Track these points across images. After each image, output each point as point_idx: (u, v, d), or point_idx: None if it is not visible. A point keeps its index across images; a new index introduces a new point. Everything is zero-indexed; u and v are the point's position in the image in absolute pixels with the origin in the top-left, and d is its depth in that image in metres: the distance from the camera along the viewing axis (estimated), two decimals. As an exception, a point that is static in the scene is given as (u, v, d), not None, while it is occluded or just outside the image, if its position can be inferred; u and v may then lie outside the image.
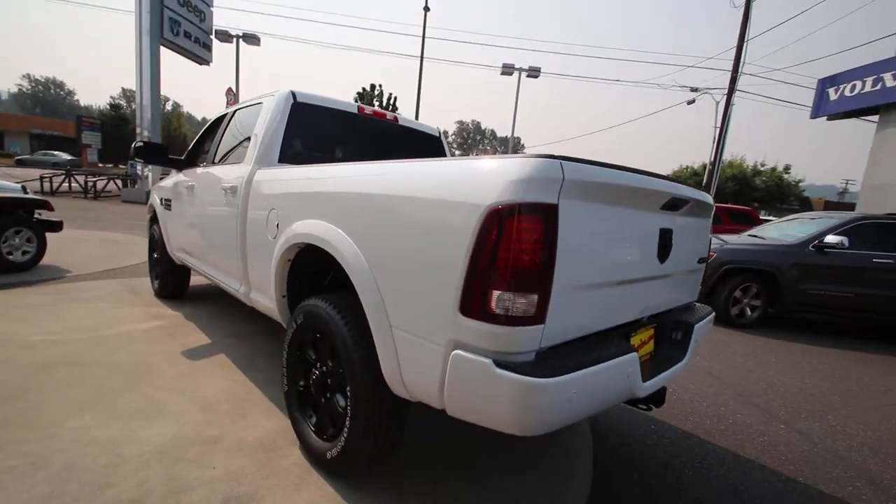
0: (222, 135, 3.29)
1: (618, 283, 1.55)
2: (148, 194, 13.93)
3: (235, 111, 3.28)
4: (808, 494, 2.18)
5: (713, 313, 2.29)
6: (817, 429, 2.93)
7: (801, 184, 39.71)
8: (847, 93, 14.64)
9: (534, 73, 18.66)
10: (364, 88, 29.46)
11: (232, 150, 3.08)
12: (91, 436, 2.04)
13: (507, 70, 18.63)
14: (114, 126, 37.07)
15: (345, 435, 1.74)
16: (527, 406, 1.20)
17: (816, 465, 2.46)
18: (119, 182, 16.04)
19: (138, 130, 13.99)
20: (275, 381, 2.77)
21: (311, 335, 2.00)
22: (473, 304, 1.24)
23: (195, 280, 4.74)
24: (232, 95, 18.12)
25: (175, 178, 3.93)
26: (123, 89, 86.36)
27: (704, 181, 18.97)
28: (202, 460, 1.95)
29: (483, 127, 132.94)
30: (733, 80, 17.43)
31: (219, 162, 3.19)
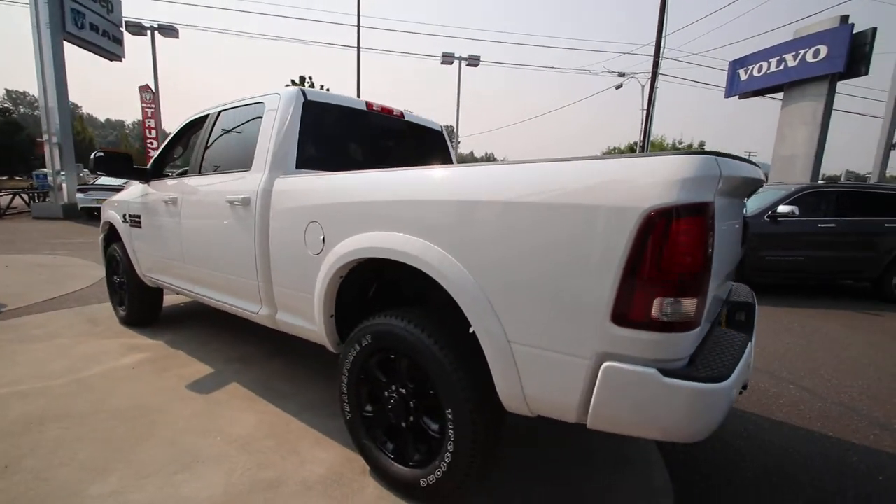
0: (207, 141, 2.92)
1: (725, 275, 1.55)
2: (66, 209, 12.36)
3: (220, 113, 2.92)
4: (844, 448, 2.37)
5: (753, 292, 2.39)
6: (819, 384, 3.21)
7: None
8: (755, 73, 16.11)
9: (473, 61, 18.72)
10: (293, 81, 28.06)
11: (226, 157, 2.75)
12: (127, 501, 1.75)
13: (448, 59, 18.53)
14: (2, 133, 32.39)
15: (447, 459, 1.61)
16: (702, 411, 1.17)
17: (835, 419, 2.69)
18: (25, 196, 14.06)
19: (45, 137, 12.31)
20: (312, 407, 2.54)
21: (380, 356, 1.84)
22: (631, 312, 1.17)
23: (166, 300, 4.26)
24: (150, 94, 16.44)
25: (139, 190, 3.46)
26: (8, 91, 75.96)
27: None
28: (273, 510, 1.73)
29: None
30: (655, 65, 18.58)
31: (209, 171, 2.83)
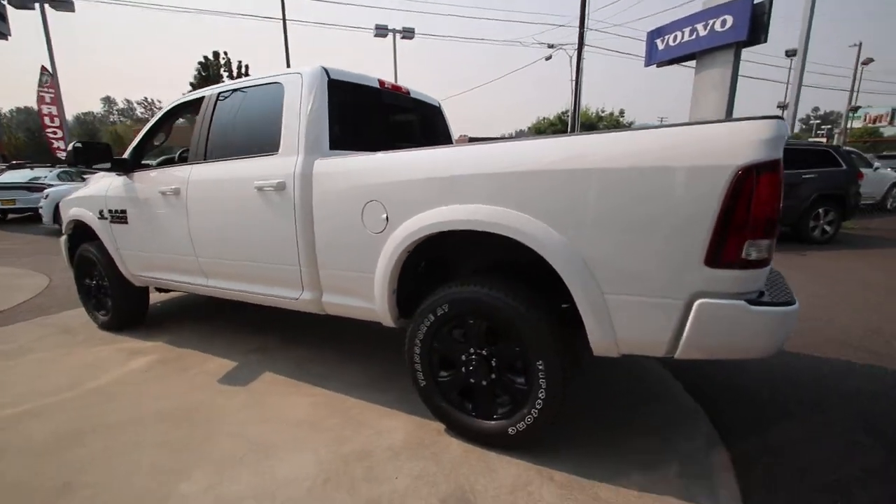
0: (210, 125, 2.75)
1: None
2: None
3: (219, 96, 2.76)
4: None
5: None
6: (840, 323, 3.66)
7: (632, 125, 46.66)
8: (671, 42, 17.25)
9: (408, 34, 18.31)
10: (206, 57, 25.71)
11: (241, 142, 2.62)
12: (228, 493, 1.75)
13: (381, 31, 17.97)
14: None
15: (538, 405, 1.79)
16: (779, 330, 1.43)
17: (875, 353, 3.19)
18: None
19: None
20: (357, 386, 2.59)
21: (457, 323, 1.95)
22: (724, 255, 1.40)
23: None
24: (47, 76, 14.31)
25: (119, 183, 3.18)
26: None
27: (570, 129, 21.07)
28: (376, 476, 1.82)
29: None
30: (581, 37, 19.36)
31: (219, 158, 2.68)
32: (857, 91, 31.09)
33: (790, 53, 28.76)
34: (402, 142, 2.98)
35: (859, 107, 34.50)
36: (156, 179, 2.96)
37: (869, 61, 30.10)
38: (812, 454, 1.97)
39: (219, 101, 2.75)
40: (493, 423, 1.94)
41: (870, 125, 37.71)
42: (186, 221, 2.76)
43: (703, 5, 16.88)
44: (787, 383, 2.61)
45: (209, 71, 25.57)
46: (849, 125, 32.61)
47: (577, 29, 20.82)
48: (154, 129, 3.16)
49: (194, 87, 25.10)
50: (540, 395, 1.78)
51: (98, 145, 2.98)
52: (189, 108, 3.03)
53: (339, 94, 2.45)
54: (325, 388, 2.57)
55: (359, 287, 2.20)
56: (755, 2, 14.56)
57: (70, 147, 2.86)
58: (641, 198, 1.48)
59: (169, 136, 3.44)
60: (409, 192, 1.93)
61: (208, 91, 2.83)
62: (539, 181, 1.63)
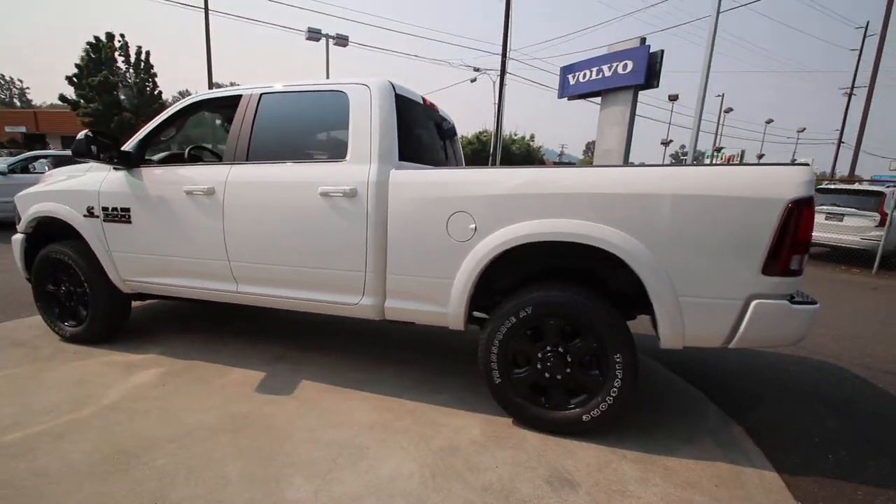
0: (252, 125, 2.66)
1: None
2: None
3: (263, 95, 2.69)
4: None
5: None
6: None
7: (540, 149, 50.57)
8: (581, 79, 19.32)
9: (342, 41, 18.10)
10: (97, 38, 22.69)
11: (293, 146, 2.59)
12: (341, 494, 1.77)
13: (314, 35, 17.53)
14: None
15: (613, 393, 2.09)
16: (808, 323, 1.90)
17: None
18: None
19: None
20: (406, 388, 2.68)
21: (536, 324, 2.18)
22: (775, 266, 1.84)
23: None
24: None
25: (119, 178, 2.89)
26: None
27: (492, 150, 22.31)
28: (476, 466, 1.97)
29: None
30: (503, 65, 20.85)
31: (263, 159, 2.61)
32: (721, 134, 37.34)
33: (672, 98, 33.67)
34: (435, 155, 3.15)
35: (722, 147, 41.43)
36: (175, 177, 2.77)
37: (729, 110, 36.38)
38: (795, 421, 2.53)
39: (261, 102, 2.68)
40: (567, 412, 2.20)
41: (725, 163, 45.58)
42: (221, 223, 2.63)
43: (608, 49, 19.14)
44: (759, 371, 3.24)
45: (98, 53, 22.55)
46: (713, 162, 39.03)
47: (500, 57, 22.31)
48: (165, 124, 2.94)
49: (81, 69, 21.98)
50: (615, 385, 2.09)
51: (108, 135, 2.70)
52: (214, 106, 2.88)
53: (400, 108, 2.57)
54: (374, 393, 2.62)
55: (433, 292, 2.33)
56: (650, 51, 16.89)
57: (81, 136, 2.56)
58: (716, 220, 1.88)
59: (179, 133, 3.18)
60: (503, 206, 2.13)
61: (246, 90, 2.74)
62: (635, 203, 1.96)
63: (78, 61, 22.23)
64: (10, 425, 2.16)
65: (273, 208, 2.53)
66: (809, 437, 2.38)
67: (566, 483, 1.88)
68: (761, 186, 1.84)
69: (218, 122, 3.55)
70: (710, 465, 2.06)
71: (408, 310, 2.43)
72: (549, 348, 2.19)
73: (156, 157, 3.12)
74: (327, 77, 19.35)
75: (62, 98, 22.58)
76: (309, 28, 17.25)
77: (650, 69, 17.25)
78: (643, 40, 17.20)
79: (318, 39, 17.62)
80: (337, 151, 2.47)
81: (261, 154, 2.65)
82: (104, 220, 2.93)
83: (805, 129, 40.67)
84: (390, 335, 3.59)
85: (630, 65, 17.75)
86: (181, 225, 2.74)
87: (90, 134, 2.57)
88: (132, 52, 23.56)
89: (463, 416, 2.41)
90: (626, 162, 18.27)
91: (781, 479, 1.99)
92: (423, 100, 2.96)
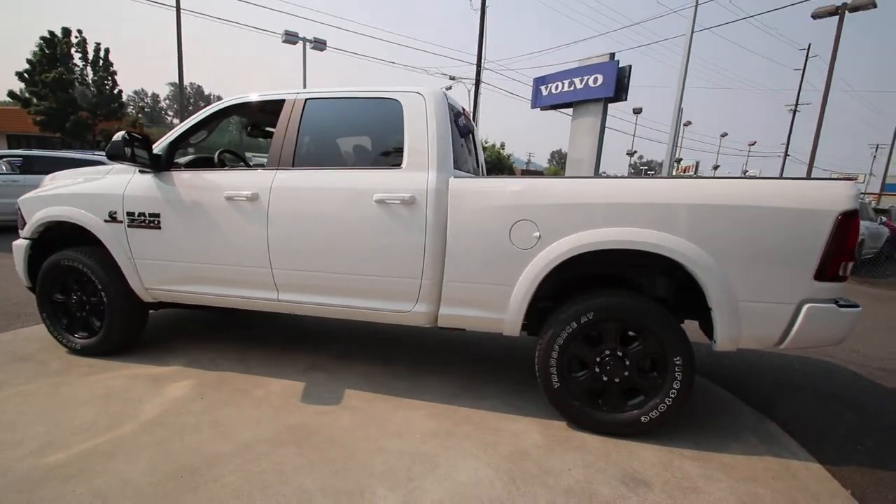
0: (298, 130, 2.61)
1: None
2: None
3: (308, 101, 2.65)
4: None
5: None
6: None
7: (510, 157, 51.59)
8: (553, 90, 19.93)
9: (319, 45, 17.87)
10: (52, 33, 21.33)
11: (344, 151, 2.57)
12: (429, 501, 1.76)
13: (291, 38, 17.21)
14: None
15: (671, 395, 2.19)
16: (852, 325, 2.07)
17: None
18: None
19: None
20: (452, 396, 2.68)
21: (596, 329, 2.26)
22: (827, 272, 1.99)
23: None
24: None
25: (146, 181, 2.76)
26: None
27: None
28: (550, 470, 2.01)
29: (207, 92, 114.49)
30: (478, 74, 21.26)
31: (310, 165, 2.57)
32: (681, 146, 39.34)
33: (636, 111, 35.22)
34: (470, 162, 3.19)
35: (681, 158, 43.68)
36: (212, 182, 2.67)
37: (688, 123, 38.44)
38: (817, 417, 2.72)
39: (307, 107, 2.64)
40: (625, 414, 2.27)
41: (682, 173, 48.40)
42: (265, 230, 2.56)
43: (579, 63, 19.81)
44: (768, 371, 3.45)
45: (51, 48, 21.19)
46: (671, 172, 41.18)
47: (475, 66, 22.69)
48: (197, 126, 2.84)
49: (33, 65, 20.57)
50: (675, 386, 2.18)
51: (142, 136, 2.57)
52: (251, 110, 2.81)
53: (451, 117, 2.60)
54: (424, 400, 2.61)
55: (490, 299, 2.36)
56: (619, 66, 17.60)
57: (118, 137, 2.43)
58: (774, 229, 2.01)
59: (209, 136, 3.06)
60: (570, 214, 2.19)
61: (289, 94, 2.69)
62: (699, 213, 2.07)
63: (30, 56, 20.82)
64: (46, 445, 2.01)
65: (324, 215, 2.49)
66: (835, 431, 2.56)
67: (640, 483, 1.95)
68: (815, 199, 1.99)
69: (241, 126, 3.44)
70: (760, 459, 2.19)
71: (462, 316, 2.45)
72: (607, 352, 2.27)
73: (181, 161, 3.00)
74: (304, 83, 19.10)
75: (11, 94, 21.06)
76: (286, 31, 16.93)
77: (619, 83, 17.94)
78: (612, 56, 17.92)
79: (294, 43, 17.32)
80: (391, 159, 2.47)
81: (308, 160, 2.61)
82: (129, 226, 2.78)
83: (755, 142, 43.56)
84: (419, 343, 3.58)
85: (600, 78, 18.40)
86: (219, 231, 2.65)
87: (128, 136, 2.45)
88: (90, 48, 22.35)
89: (517, 420, 2.44)
90: (597, 171, 18.90)
91: (826, 469, 2.14)
92: (463, 109, 3.00)
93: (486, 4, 20.26)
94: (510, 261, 2.29)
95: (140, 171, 2.80)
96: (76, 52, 22.12)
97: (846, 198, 1.97)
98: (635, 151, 39.76)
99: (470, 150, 3.32)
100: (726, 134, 43.19)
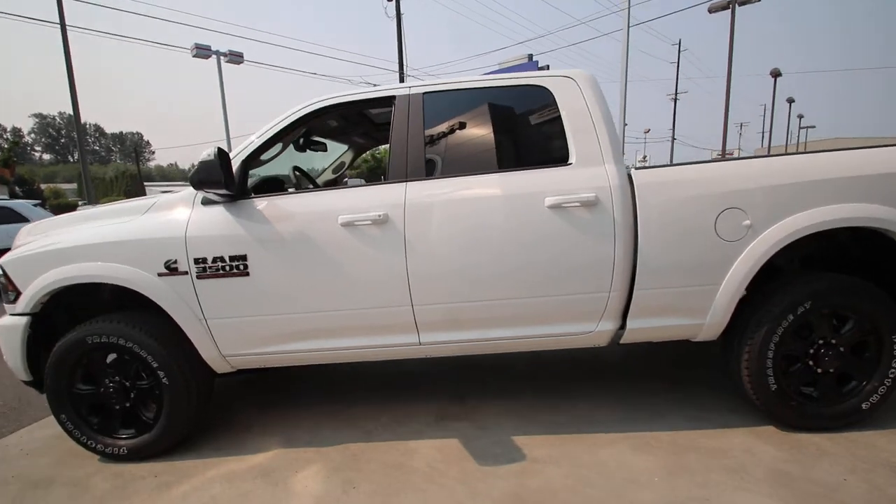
0: (423, 132, 2.11)
1: None
2: None
3: (428, 96, 2.15)
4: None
5: None
6: None
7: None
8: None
9: (236, 57, 16.40)
10: None
11: (489, 152, 2.12)
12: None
13: (203, 52, 15.58)
14: None
15: (892, 375, 2.04)
16: None
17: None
18: None
19: None
20: (633, 418, 2.34)
21: (814, 317, 2.05)
22: None
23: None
24: None
25: (211, 215, 2.08)
26: None
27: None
28: (819, 483, 1.76)
29: (85, 121, 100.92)
30: (401, 79, 21.20)
31: (449, 173, 2.10)
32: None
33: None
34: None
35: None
36: (316, 206, 2.08)
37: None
38: None
39: (427, 103, 2.16)
40: (844, 405, 2.10)
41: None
42: (402, 257, 2.03)
43: (498, 66, 20.38)
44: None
45: None
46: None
47: (398, 73, 22.49)
48: (275, 139, 2.20)
49: None
50: (894, 365, 2.05)
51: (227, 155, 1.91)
52: (346, 111, 2.25)
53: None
54: (610, 432, 2.23)
55: (690, 303, 2.07)
56: (538, 66, 18.26)
57: (210, 155, 1.75)
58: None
59: (282, 151, 2.38)
60: (786, 195, 1.96)
61: (400, 89, 2.18)
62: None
63: None
64: None
65: (483, 230, 2.03)
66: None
67: (923, 477, 1.77)
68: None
69: (299, 141, 2.75)
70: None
71: (649, 328, 2.13)
72: (820, 341, 2.08)
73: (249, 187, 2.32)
74: (222, 99, 17.39)
75: None
76: (196, 44, 15.26)
77: (540, 82, 18.63)
78: (531, 56, 18.61)
79: (207, 57, 15.69)
80: (552, 155, 2.08)
81: (445, 166, 2.12)
82: (198, 277, 2.07)
83: (650, 129, 48.19)
84: (505, 364, 3.17)
85: (522, 79, 18.97)
86: (336, 268, 2.06)
87: (220, 151, 1.78)
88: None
89: (725, 434, 2.17)
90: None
91: None
92: None
93: (402, 12, 20.21)
94: (716, 257, 2.02)
95: (203, 203, 2.11)
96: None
97: None
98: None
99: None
100: (627, 124, 47.23)
